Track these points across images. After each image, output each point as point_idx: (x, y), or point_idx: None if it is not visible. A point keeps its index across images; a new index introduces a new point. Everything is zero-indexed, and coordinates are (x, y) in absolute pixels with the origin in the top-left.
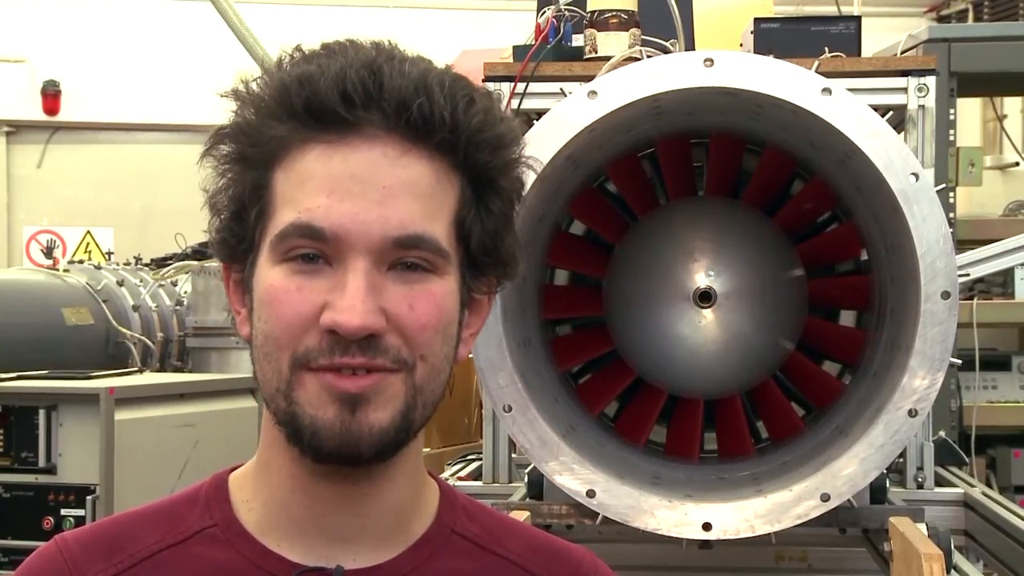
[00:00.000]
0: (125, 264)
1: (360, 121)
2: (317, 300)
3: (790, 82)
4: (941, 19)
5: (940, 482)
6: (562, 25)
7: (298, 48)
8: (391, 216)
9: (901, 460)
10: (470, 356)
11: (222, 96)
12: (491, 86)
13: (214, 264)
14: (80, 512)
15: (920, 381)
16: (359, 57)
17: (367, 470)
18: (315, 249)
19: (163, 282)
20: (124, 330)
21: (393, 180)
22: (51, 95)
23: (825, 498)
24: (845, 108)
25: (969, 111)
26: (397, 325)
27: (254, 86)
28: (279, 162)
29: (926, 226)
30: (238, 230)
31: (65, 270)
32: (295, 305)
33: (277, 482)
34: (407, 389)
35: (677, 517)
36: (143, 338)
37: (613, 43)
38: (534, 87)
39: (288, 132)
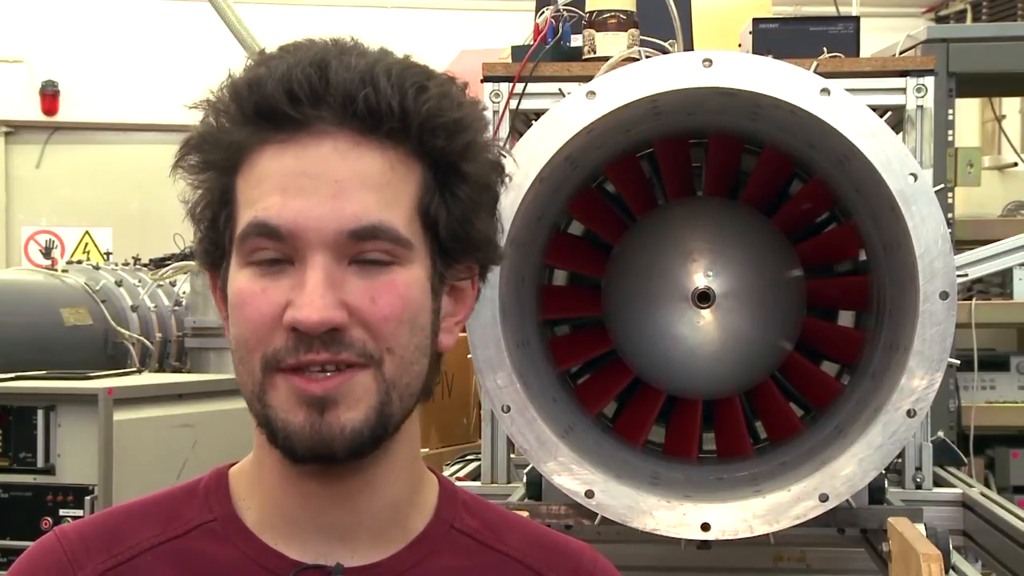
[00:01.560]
0: (124, 264)
1: (309, 118)
2: (280, 300)
3: (789, 82)
4: (939, 19)
5: (939, 482)
6: (561, 25)
7: (261, 51)
8: (345, 208)
9: (900, 460)
10: (468, 356)
11: (190, 108)
12: (489, 86)
13: None
14: (79, 512)
15: (918, 381)
16: (308, 55)
17: (354, 467)
18: (275, 249)
19: (161, 282)
20: (123, 330)
21: (346, 173)
22: (49, 95)
23: (824, 498)
24: (844, 108)
25: (968, 111)
26: (360, 318)
27: (217, 93)
28: (239, 167)
29: (924, 226)
30: (214, 237)
31: (64, 270)
32: (260, 307)
33: (270, 481)
34: (378, 384)
35: (676, 517)
36: (142, 338)
37: (612, 43)
38: (533, 87)
39: (245, 136)
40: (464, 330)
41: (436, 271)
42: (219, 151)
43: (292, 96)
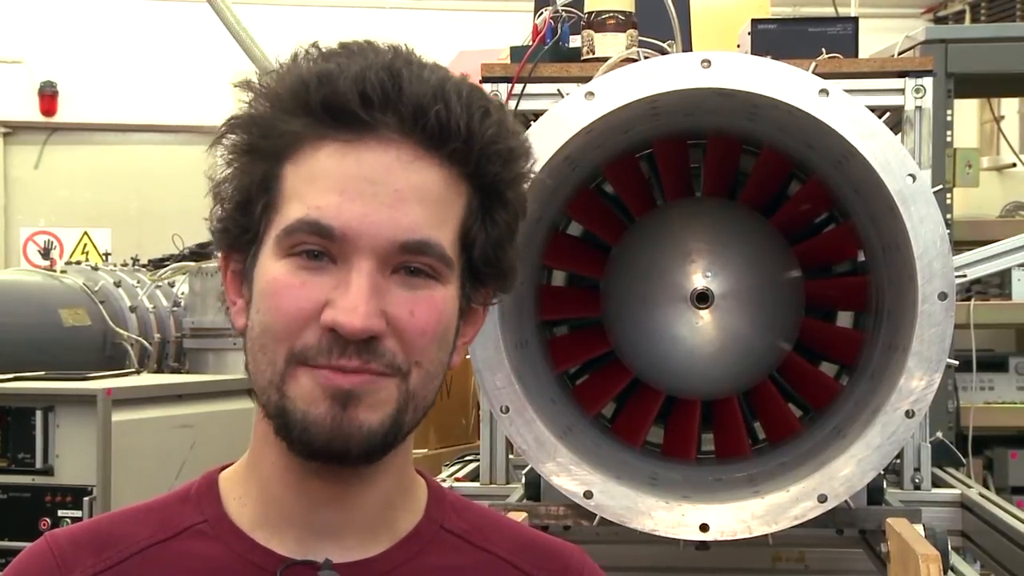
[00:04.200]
0: (122, 265)
1: (377, 123)
2: (319, 297)
3: (787, 83)
4: (938, 20)
5: (937, 483)
6: (559, 26)
7: (315, 45)
8: (401, 219)
9: (898, 461)
10: (467, 357)
11: (235, 86)
12: (488, 87)
13: (211, 265)
14: (77, 513)
15: (917, 382)
16: (378, 59)
17: (356, 468)
18: (321, 246)
19: (160, 283)
20: (121, 331)
21: (405, 184)
22: (48, 96)
23: (822, 499)
24: (842, 109)
25: (966, 112)
26: (397, 329)
27: (269, 79)
28: (290, 156)
29: (923, 227)
30: (243, 221)
31: (62, 271)
32: (297, 300)
33: (268, 476)
34: (400, 394)
35: (674, 518)
36: (140, 339)
37: (610, 44)
38: (531, 88)
39: (303, 127)
40: None
41: (464, 293)
42: (270, 137)
43: (364, 97)
